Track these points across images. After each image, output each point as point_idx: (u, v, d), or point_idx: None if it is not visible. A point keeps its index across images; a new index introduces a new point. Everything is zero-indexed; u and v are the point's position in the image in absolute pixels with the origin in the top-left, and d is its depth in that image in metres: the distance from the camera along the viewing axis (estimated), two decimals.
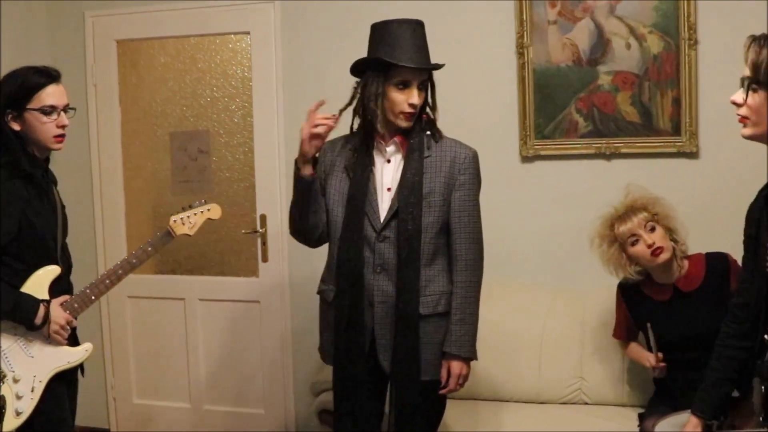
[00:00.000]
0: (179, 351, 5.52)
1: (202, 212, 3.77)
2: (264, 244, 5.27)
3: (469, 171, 3.50)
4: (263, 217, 5.25)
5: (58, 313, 3.38)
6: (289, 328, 5.31)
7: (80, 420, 5.50)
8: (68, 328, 3.41)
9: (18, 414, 3.33)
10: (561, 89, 4.74)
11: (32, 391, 3.36)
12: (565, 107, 4.75)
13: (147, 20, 5.39)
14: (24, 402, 3.34)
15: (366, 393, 3.57)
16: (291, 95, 5.18)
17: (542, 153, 4.81)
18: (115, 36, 5.47)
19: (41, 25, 5.50)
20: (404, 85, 3.41)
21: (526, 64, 4.75)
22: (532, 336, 4.55)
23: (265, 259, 5.30)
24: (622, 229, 3.89)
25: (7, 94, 3.33)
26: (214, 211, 3.83)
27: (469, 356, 3.50)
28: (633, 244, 3.87)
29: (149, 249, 3.62)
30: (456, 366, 3.47)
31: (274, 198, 5.23)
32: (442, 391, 3.50)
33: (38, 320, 3.32)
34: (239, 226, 5.31)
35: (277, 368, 5.36)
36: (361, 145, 3.53)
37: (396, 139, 3.50)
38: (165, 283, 5.53)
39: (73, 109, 3.46)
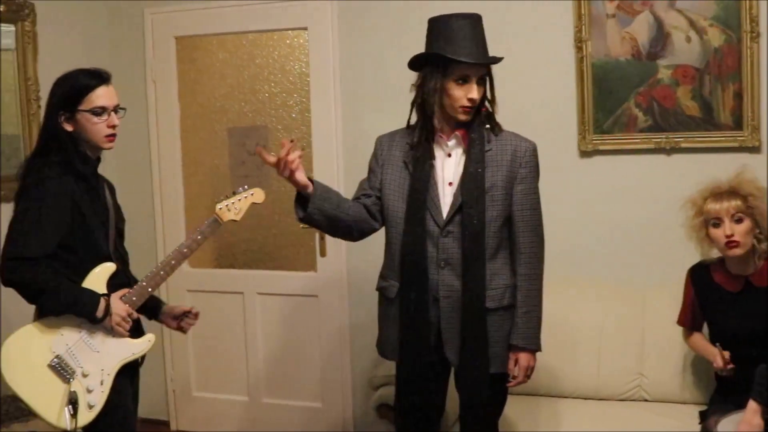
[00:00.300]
0: (238, 345, 5.57)
1: (246, 197, 3.76)
2: (322, 238, 5.28)
3: (530, 164, 3.50)
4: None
5: (119, 306, 3.43)
6: (347, 322, 5.33)
7: (140, 412, 5.55)
8: (129, 319, 3.46)
9: (90, 407, 3.38)
10: (620, 83, 4.70)
11: (101, 384, 3.41)
12: (624, 102, 4.70)
13: (205, 17, 5.44)
14: (95, 395, 3.39)
15: (428, 388, 3.59)
16: (348, 90, 5.20)
17: (601, 148, 4.77)
18: (174, 32, 5.52)
19: (102, 23, 5.57)
20: (463, 80, 3.40)
21: (584, 58, 4.71)
22: (591, 331, 4.52)
23: (323, 254, 5.32)
24: (710, 207, 3.81)
25: (59, 96, 3.41)
26: (258, 194, 3.80)
27: (535, 348, 3.52)
28: (714, 225, 3.81)
29: (199, 237, 3.64)
30: (524, 358, 3.50)
31: None
32: (510, 384, 3.52)
33: (99, 313, 3.37)
34: (298, 221, 5.31)
35: (334, 362, 5.38)
36: (421, 140, 3.52)
37: (457, 132, 3.49)
38: (224, 278, 5.58)
39: (124, 109, 3.50)
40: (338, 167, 5.23)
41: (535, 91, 4.82)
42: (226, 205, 3.72)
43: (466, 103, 3.41)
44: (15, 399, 4.56)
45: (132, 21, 5.59)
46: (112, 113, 3.43)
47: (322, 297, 5.36)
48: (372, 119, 5.12)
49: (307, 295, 5.40)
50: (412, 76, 3.56)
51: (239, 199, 3.74)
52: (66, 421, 3.21)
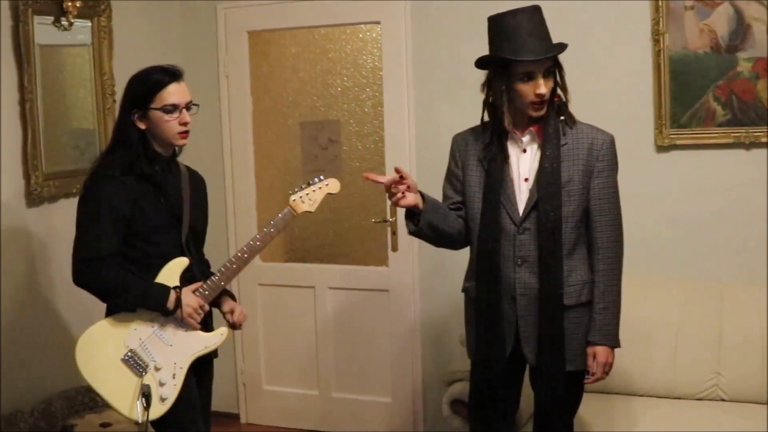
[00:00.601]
0: (308, 339, 5.58)
1: (320, 188, 3.69)
2: (394, 233, 5.27)
3: (607, 157, 3.44)
4: (393, 207, 5.22)
5: (191, 298, 3.45)
6: (418, 317, 5.31)
7: (218, 405, 5.62)
8: (201, 311, 3.47)
9: (163, 400, 3.42)
10: (698, 77, 4.62)
11: (174, 377, 3.44)
12: (702, 95, 4.63)
13: (278, 11, 5.45)
14: (168, 388, 3.43)
15: (503, 386, 3.58)
16: (421, 84, 5.17)
17: (678, 142, 4.69)
18: (247, 27, 5.54)
19: (175, 19, 5.62)
20: (528, 77, 3.34)
21: (661, 51, 4.64)
22: (667, 329, 4.45)
23: (394, 249, 5.30)
24: None
25: (132, 94, 3.45)
26: (333, 185, 3.72)
27: (613, 344, 3.47)
28: None
29: (272, 230, 3.61)
30: (602, 354, 3.45)
31: None
32: (588, 381, 3.48)
33: (170, 304, 3.40)
34: (369, 216, 5.33)
35: (405, 357, 5.37)
36: (494, 138, 3.48)
37: (532, 128, 3.45)
38: (295, 271, 5.60)
39: (197, 105, 3.51)
40: (410, 161, 5.20)
41: (612, 84, 4.77)
42: (300, 197, 3.66)
43: (535, 99, 3.36)
44: (89, 390, 4.64)
45: (205, 16, 5.62)
46: (184, 110, 3.44)
47: (394, 292, 5.34)
48: (445, 114, 5.11)
49: (379, 290, 5.39)
50: (485, 71, 3.53)
51: (314, 190, 3.68)
52: (138, 414, 3.29)
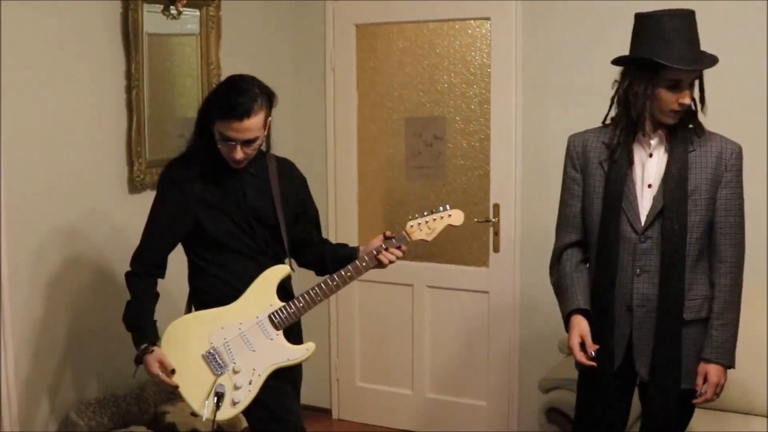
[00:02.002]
0: (404, 337, 5.53)
1: (441, 218, 3.63)
2: (496, 234, 5.19)
3: (735, 168, 3.28)
4: (496, 207, 5.17)
5: (153, 366, 3.40)
6: (518, 320, 5.22)
7: (302, 399, 5.63)
8: (162, 378, 3.42)
9: (234, 404, 3.41)
10: None
11: (250, 383, 3.42)
12: None
13: (386, 5, 5.41)
14: (241, 393, 3.41)
15: (613, 398, 3.43)
16: (530, 83, 5.07)
17: None
18: (355, 20, 5.52)
19: (283, 10, 5.61)
20: (675, 85, 3.18)
21: None
22: None
23: (496, 250, 5.22)
24: None
25: (206, 105, 3.48)
26: (456, 217, 3.65)
27: (727, 363, 3.30)
28: None
29: (369, 264, 3.60)
30: (714, 374, 3.28)
31: (508, 188, 5.15)
32: (697, 401, 3.31)
33: (136, 358, 3.46)
34: (471, 215, 5.22)
35: (502, 361, 5.28)
36: (620, 140, 3.32)
37: (660, 132, 3.30)
38: (394, 269, 5.42)
39: (255, 141, 3.38)
40: (516, 161, 5.12)
41: (727, 92, 4.52)
42: (419, 224, 3.61)
43: (677, 108, 3.21)
44: None
45: (313, 8, 5.61)
46: (239, 146, 3.35)
47: (493, 293, 5.26)
48: (553, 114, 5.02)
49: (478, 291, 5.31)
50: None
51: (434, 219, 3.63)
52: (206, 411, 3.33)
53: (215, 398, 3.31)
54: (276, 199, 3.55)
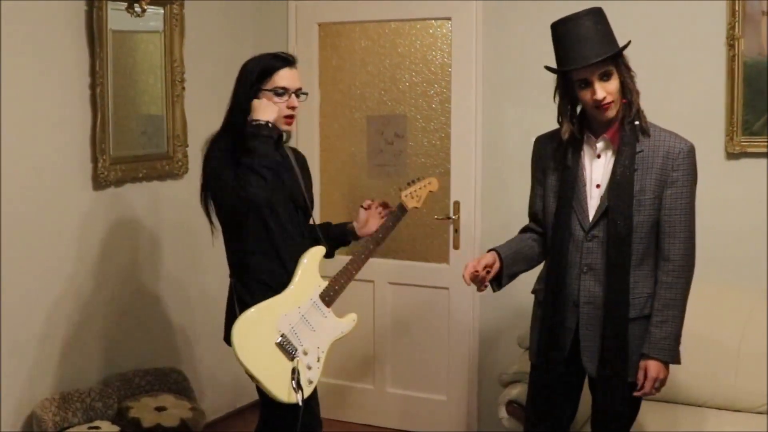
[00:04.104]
0: (366, 332, 5.55)
1: (425, 185, 3.93)
2: (456, 231, 5.25)
3: (682, 167, 3.31)
4: (457, 204, 5.23)
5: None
6: (478, 316, 5.27)
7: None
8: None
9: (310, 383, 3.56)
10: None
11: (318, 360, 3.61)
12: None
13: (349, 4, 5.47)
14: (313, 372, 3.58)
15: (562, 393, 3.52)
16: (490, 82, 5.14)
17: (749, 150, 4.59)
18: (318, 19, 5.56)
19: (246, 8, 5.65)
20: (585, 83, 3.27)
21: (736, 56, 4.54)
22: (732, 339, 4.35)
23: (456, 246, 5.28)
24: None
25: (247, 76, 3.53)
26: (434, 183, 3.98)
27: (667, 360, 3.36)
28: None
29: (389, 224, 3.84)
30: (653, 369, 3.33)
31: (468, 185, 5.21)
32: (636, 394, 3.38)
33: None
34: (432, 212, 5.30)
35: (462, 356, 5.34)
36: (570, 141, 3.41)
37: (606, 135, 3.36)
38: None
39: (306, 93, 3.59)
40: (476, 159, 5.18)
41: (683, 88, 4.68)
42: (410, 193, 3.89)
43: (593, 104, 3.28)
44: (147, 373, 4.72)
45: (276, 7, 5.65)
46: (293, 95, 3.53)
47: (453, 290, 5.30)
48: (512, 113, 5.09)
49: (439, 287, 5.37)
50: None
51: (420, 187, 3.93)
52: (299, 396, 3.41)
53: (296, 382, 3.42)
54: (300, 182, 3.72)
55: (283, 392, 3.45)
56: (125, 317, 4.80)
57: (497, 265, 3.46)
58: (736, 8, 4.52)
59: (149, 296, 4.97)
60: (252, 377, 3.45)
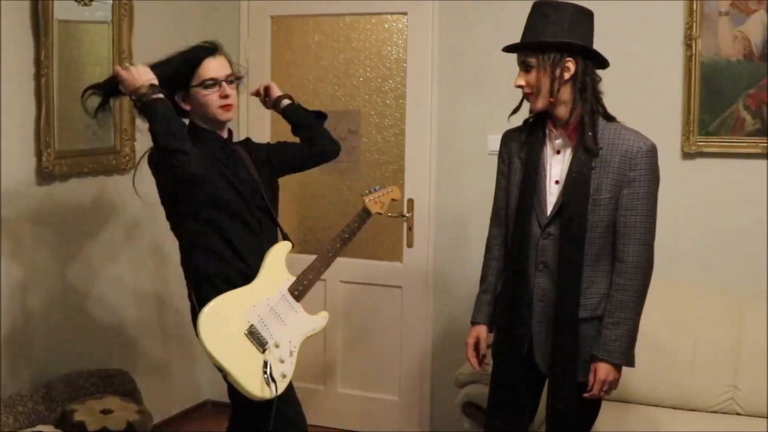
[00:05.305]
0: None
1: (387, 192, 4.00)
2: (410, 229, 5.20)
3: (640, 166, 3.25)
4: (410, 202, 5.18)
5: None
6: (431, 315, 5.24)
7: (213, 396, 5.58)
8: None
9: (284, 377, 3.45)
10: (729, 84, 4.53)
11: (291, 355, 3.52)
12: (732, 103, 4.54)
13: None
14: (287, 366, 3.49)
15: (521, 390, 3.48)
16: (446, 78, 5.09)
17: (705, 150, 4.61)
18: (270, 12, 5.47)
19: (198, 1, 5.54)
20: (522, 65, 3.30)
21: (693, 56, 4.55)
22: (686, 339, 4.36)
23: (410, 245, 5.23)
24: None
25: (172, 76, 3.40)
26: (396, 192, 4.06)
27: (618, 362, 3.31)
28: None
29: (355, 225, 3.83)
30: (602, 371, 3.28)
31: (422, 183, 5.16)
32: (585, 395, 3.33)
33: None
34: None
35: (415, 356, 5.30)
36: (532, 135, 3.38)
37: (563, 131, 3.32)
38: (306, 263, 5.47)
39: (239, 78, 3.46)
40: (431, 156, 5.14)
41: (639, 88, 4.67)
42: (373, 199, 3.94)
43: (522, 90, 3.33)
44: (91, 375, 4.59)
45: None
46: (224, 83, 3.42)
47: (407, 288, 5.27)
48: (469, 110, 5.05)
49: (392, 286, 5.32)
50: (512, 65, 3.42)
51: (382, 194, 3.99)
52: (272, 389, 3.32)
53: (269, 374, 3.33)
54: (257, 179, 3.62)
55: (256, 386, 3.33)
56: (68, 317, 4.67)
57: (485, 332, 3.55)
58: (694, 8, 4.54)
59: (94, 295, 4.84)
60: (221, 369, 3.31)
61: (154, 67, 3.38)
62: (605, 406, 3.85)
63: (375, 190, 3.99)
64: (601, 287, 3.31)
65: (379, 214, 3.97)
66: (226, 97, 3.43)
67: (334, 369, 5.50)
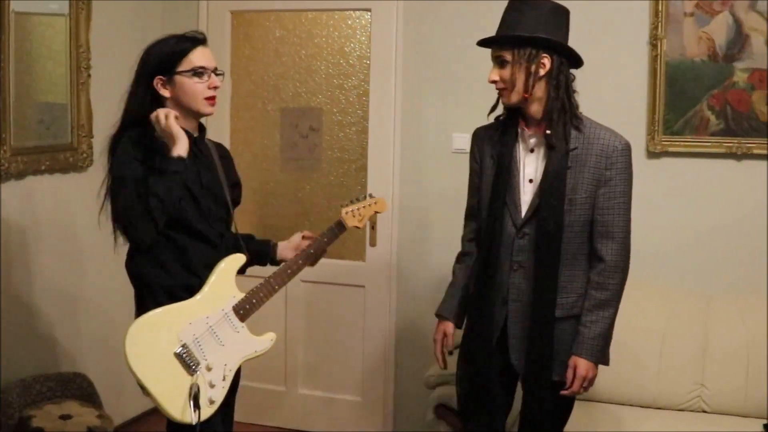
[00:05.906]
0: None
1: (369, 205, 3.71)
2: (373, 228, 5.16)
3: (616, 165, 3.26)
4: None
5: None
6: (394, 315, 5.21)
7: None
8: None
9: (211, 403, 3.20)
10: (693, 84, 4.57)
11: (224, 379, 3.24)
12: (696, 103, 4.58)
13: None
14: (217, 391, 3.22)
15: (495, 389, 3.45)
16: (410, 75, 5.06)
17: (670, 150, 4.64)
18: (230, 7, 5.39)
19: None
20: (496, 61, 3.26)
21: (658, 56, 4.59)
22: (653, 338, 4.39)
23: (372, 244, 5.19)
24: None
25: (156, 60, 3.24)
26: (381, 204, 3.76)
27: (596, 360, 3.31)
28: None
29: (324, 240, 3.60)
30: (583, 368, 3.28)
31: (386, 181, 5.12)
32: (563, 392, 3.32)
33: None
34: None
35: (378, 356, 5.25)
36: (504, 133, 3.35)
37: (537, 130, 3.29)
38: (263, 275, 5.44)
39: (222, 73, 3.34)
40: (394, 154, 5.11)
41: (605, 87, 4.67)
42: (352, 211, 3.66)
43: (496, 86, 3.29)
44: (48, 379, 4.47)
45: None
46: (212, 74, 3.28)
47: (369, 288, 5.23)
48: (432, 107, 5.02)
49: (354, 285, 5.27)
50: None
51: (364, 206, 3.69)
52: (192, 416, 3.05)
53: (192, 400, 3.08)
54: (223, 182, 3.42)
55: (177, 409, 3.10)
56: (24, 319, 4.55)
57: (451, 328, 3.57)
58: (659, 8, 4.57)
59: (50, 296, 4.73)
60: (143, 388, 3.13)
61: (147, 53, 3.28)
62: (574, 405, 3.86)
63: (356, 200, 3.72)
64: (577, 286, 3.31)
65: (357, 228, 3.71)
66: (215, 88, 3.28)
67: (295, 370, 5.44)
